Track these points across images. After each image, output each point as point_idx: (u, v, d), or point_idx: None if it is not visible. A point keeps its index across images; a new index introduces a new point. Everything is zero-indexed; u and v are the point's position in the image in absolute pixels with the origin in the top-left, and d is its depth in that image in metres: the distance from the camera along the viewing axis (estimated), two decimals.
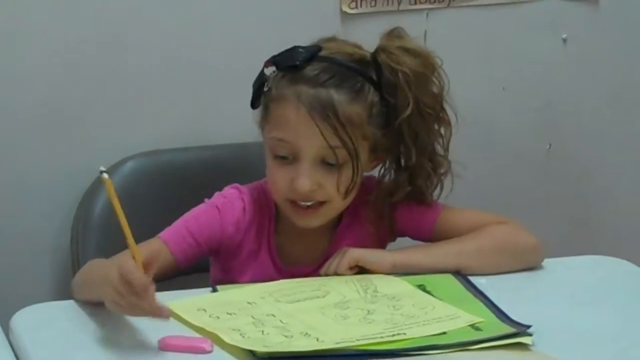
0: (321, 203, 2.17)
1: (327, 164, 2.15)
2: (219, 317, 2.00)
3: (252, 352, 1.86)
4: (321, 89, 2.14)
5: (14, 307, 2.04)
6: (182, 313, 2.00)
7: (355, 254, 2.15)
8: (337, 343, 1.89)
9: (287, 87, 2.15)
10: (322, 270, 2.16)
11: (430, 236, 2.27)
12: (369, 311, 2.01)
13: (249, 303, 2.04)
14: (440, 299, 2.07)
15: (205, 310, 2.02)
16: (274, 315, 2.00)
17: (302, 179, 2.13)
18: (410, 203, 2.26)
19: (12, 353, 1.91)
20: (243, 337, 1.92)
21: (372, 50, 2.21)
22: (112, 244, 2.19)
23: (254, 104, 2.23)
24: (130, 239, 1.87)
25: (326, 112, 2.12)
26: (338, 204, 2.20)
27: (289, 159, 2.16)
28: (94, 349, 1.89)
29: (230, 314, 2.01)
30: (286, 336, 1.92)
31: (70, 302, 2.05)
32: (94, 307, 2.00)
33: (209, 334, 1.93)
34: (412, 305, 2.03)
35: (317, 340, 1.91)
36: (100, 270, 1.99)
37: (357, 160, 2.16)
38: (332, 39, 2.23)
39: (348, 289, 2.09)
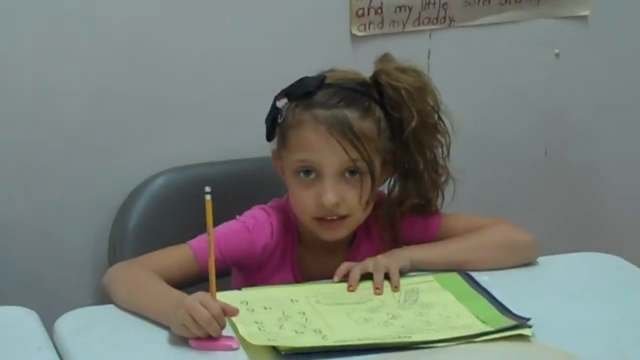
0: (343, 217, 2.18)
1: (347, 178, 2.16)
2: (254, 310, 2.00)
3: (275, 349, 1.87)
4: (335, 109, 2.15)
5: (57, 312, 2.05)
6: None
7: (383, 262, 2.13)
8: (338, 341, 1.90)
9: (303, 113, 2.16)
10: (351, 278, 2.13)
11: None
12: (393, 316, 2.01)
13: (291, 300, 2.05)
14: (454, 296, 2.08)
15: (246, 303, 2.03)
16: (304, 314, 2.00)
17: (328, 194, 2.13)
18: (412, 214, 2.26)
19: (56, 354, 1.91)
20: (259, 330, 1.92)
21: (368, 75, 2.22)
22: (146, 252, 2.22)
23: (269, 137, 2.25)
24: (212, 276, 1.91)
25: (343, 129, 2.13)
26: (359, 216, 2.20)
27: (312, 178, 2.16)
28: (131, 349, 1.89)
29: (266, 308, 2.01)
30: (297, 332, 1.93)
31: (110, 306, 2.06)
32: (130, 312, 2.01)
33: (234, 325, 1.94)
34: (438, 313, 2.02)
35: (323, 337, 1.91)
36: (159, 296, 2.01)
37: (374, 172, 2.17)
38: (332, 70, 2.23)
39: (390, 297, 2.08)
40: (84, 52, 2.56)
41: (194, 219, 2.40)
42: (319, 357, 1.85)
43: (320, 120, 2.14)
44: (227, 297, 2.05)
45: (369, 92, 2.20)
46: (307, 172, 2.16)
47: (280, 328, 1.94)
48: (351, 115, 2.15)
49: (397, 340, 1.91)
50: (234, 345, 1.90)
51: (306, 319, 1.98)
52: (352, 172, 2.16)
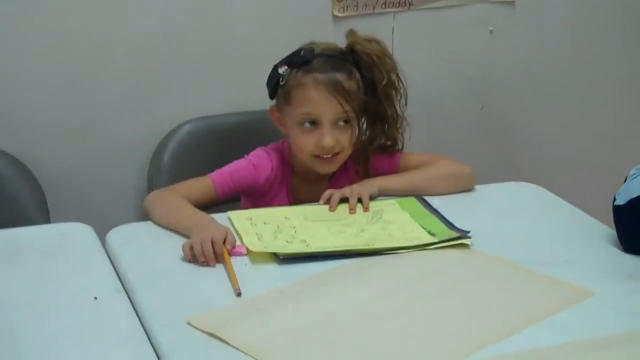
0: (336, 154, 2.18)
1: (339, 125, 2.16)
2: (256, 225, 2.01)
3: (275, 254, 1.88)
4: (329, 73, 2.15)
5: (108, 227, 2.05)
6: (234, 219, 2.03)
7: (357, 189, 2.13)
8: (318, 248, 1.90)
9: (304, 77, 2.15)
10: (332, 201, 2.12)
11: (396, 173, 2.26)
12: (362, 229, 2.01)
13: (285, 217, 2.05)
14: (410, 215, 2.07)
15: (250, 219, 2.03)
16: (294, 227, 2.00)
17: (327, 138, 2.14)
18: (380, 152, 2.26)
19: (108, 259, 1.92)
20: (259, 240, 1.93)
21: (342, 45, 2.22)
22: (176, 183, 2.20)
23: (272, 96, 2.24)
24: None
25: (337, 88, 2.14)
26: (347, 153, 2.20)
27: (312, 126, 2.15)
28: (166, 255, 1.89)
29: (265, 223, 2.02)
30: (287, 242, 1.93)
31: (149, 223, 2.05)
32: (164, 227, 2.01)
33: (239, 236, 1.94)
34: (397, 228, 2.02)
35: (307, 245, 1.92)
36: (191, 219, 1.99)
37: (359, 119, 2.18)
38: (312, 42, 2.22)
39: (361, 216, 2.08)
40: (128, 36, 2.54)
41: (213, 157, 2.44)
42: (306, 261, 1.86)
43: (319, 82, 2.14)
44: (237, 214, 2.05)
45: (348, 59, 2.20)
46: (309, 122, 2.16)
47: (275, 239, 1.95)
48: (341, 77, 2.15)
49: (364, 247, 1.91)
50: (243, 251, 1.90)
51: (295, 232, 1.98)
52: (343, 120, 2.16)
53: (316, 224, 2.03)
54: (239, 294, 1.74)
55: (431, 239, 1.95)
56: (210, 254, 1.85)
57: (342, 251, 1.90)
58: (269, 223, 2.02)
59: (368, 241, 1.95)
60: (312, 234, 1.98)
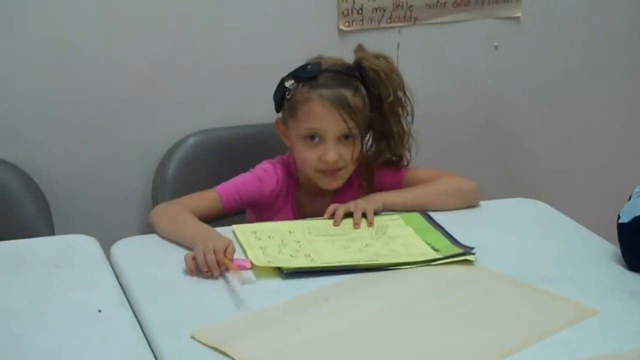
0: (339, 170, 2.18)
1: (343, 141, 2.16)
2: (260, 238, 2.01)
3: (279, 269, 1.88)
4: (335, 89, 2.16)
5: (112, 239, 2.05)
6: (239, 233, 2.03)
7: (362, 204, 2.13)
8: (323, 263, 1.90)
9: (310, 92, 2.16)
10: (337, 216, 2.12)
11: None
12: (366, 244, 2.01)
13: (289, 231, 2.05)
14: (414, 230, 2.07)
15: (255, 233, 2.03)
16: (298, 242, 2.00)
17: (330, 153, 2.15)
18: (384, 167, 2.26)
19: (112, 272, 1.92)
20: (263, 254, 1.93)
21: (349, 61, 2.23)
22: (181, 196, 2.21)
23: (278, 109, 2.25)
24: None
25: (342, 104, 2.14)
26: (350, 169, 2.21)
27: (316, 141, 2.16)
28: (171, 268, 1.89)
29: (269, 237, 2.02)
30: (292, 256, 1.93)
31: (154, 236, 2.06)
32: (169, 240, 2.01)
33: (244, 250, 1.95)
34: (401, 244, 2.02)
35: (312, 260, 1.92)
36: (194, 230, 2.00)
37: (362, 135, 2.19)
38: (320, 56, 2.23)
39: (365, 231, 2.08)
40: (133, 44, 2.54)
41: (218, 169, 2.44)
42: (310, 275, 1.86)
43: (325, 98, 2.15)
44: (242, 228, 2.06)
45: (354, 75, 2.20)
46: (313, 137, 2.17)
47: (279, 253, 1.95)
48: (347, 93, 2.16)
49: (367, 262, 1.91)
50: (247, 265, 1.90)
51: (299, 246, 1.98)
52: (347, 136, 2.17)
53: (320, 239, 2.03)
54: (244, 283, 1.78)
55: (435, 255, 1.95)
56: (214, 263, 1.85)
57: (346, 266, 1.90)
58: (273, 237, 2.02)
59: (372, 256, 1.94)
60: (316, 248, 1.98)
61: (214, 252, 1.86)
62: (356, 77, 2.20)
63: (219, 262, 1.85)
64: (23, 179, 2.46)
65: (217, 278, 1.85)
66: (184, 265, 1.88)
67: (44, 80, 2.50)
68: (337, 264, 1.90)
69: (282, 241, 2.00)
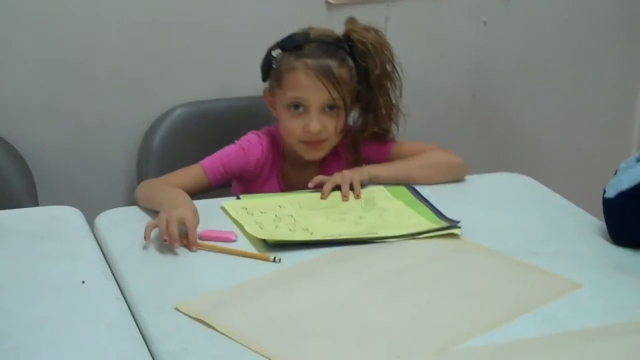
0: (323, 141, 2.18)
1: (327, 112, 2.16)
2: (253, 214, 2.00)
3: (264, 240, 1.88)
4: (320, 59, 2.15)
5: (96, 211, 2.04)
6: (230, 209, 2.02)
7: (348, 175, 2.13)
8: (324, 236, 1.91)
9: (296, 61, 2.15)
10: (325, 190, 2.11)
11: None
12: (360, 217, 2.01)
13: (279, 206, 2.05)
14: (403, 203, 2.08)
15: (246, 209, 2.03)
16: (292, 216, 2.00)
17: (313, 123, 2.14)
18: (371, 140, 2.25)
19: (96, 244, 1.91)
20: (261, 228, 1.93)
21: (339, 33, 2.21)
22: (166, 169, 2.21)
23: (264, 78, 2.24)
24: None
25: (327, 74, 2.14)
26: (334, 140, 2.20)
27: (300, 111, 2.15)
28: (156, 240, 1.87)
29: (262, 212, 2.01)
30: (290, 230, 1.93)
31: (136, 207, 2.05)
32: (152, 211, 1.99)
33: (240, 225, 1.94)
34: (393, 215, 2.02)
35: (311, 234, 1.92)
36: (164, 194, 1.98)
37: (347, 107, 2.18)
38: (311, 27, 2.22)
39: (354, 203, 2.08)
40: (123, 20, 2.52)
41: (203, 142, 2.43)
42: (295, 248, 1.86)
43: (309, 67, 2.14)
44: (231, 204, 2.05)
45: (342, 46, 2.19)
46: (297, 106, 2.16)
47: (276, 227, 1.94)
48: (332, 63, 2.15)
49: (368, 235, 1.92)
50: (233, 237, 1.89)
51: (294, 220, 1.98)
52: (331, 107, 2.16)
53: (313, 212, 2.03)
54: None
55: (430, 225, 1.96)
56: (175, 235, 1.82)
57: (348, 239, 1.90)
58: (265, 212, 2.01)
59: (370, 229, 1.95)
60: (312, 222, 1.98)
61: (177, 222, 1.83)
62: (344, 49, 2.19)
63: (183, 235, 1.83)
64: (7, 151, 2.45)
65: (177, 248, 1.82)
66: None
67: (29, 52, 2.48)
68: (338, 237, 1.90)
69: (276, 216, 2.00)
